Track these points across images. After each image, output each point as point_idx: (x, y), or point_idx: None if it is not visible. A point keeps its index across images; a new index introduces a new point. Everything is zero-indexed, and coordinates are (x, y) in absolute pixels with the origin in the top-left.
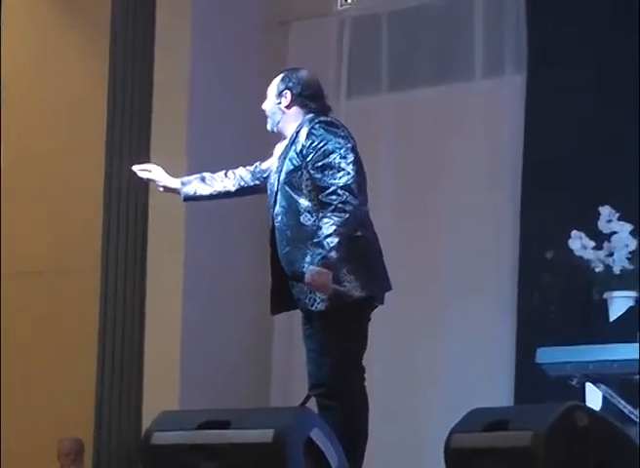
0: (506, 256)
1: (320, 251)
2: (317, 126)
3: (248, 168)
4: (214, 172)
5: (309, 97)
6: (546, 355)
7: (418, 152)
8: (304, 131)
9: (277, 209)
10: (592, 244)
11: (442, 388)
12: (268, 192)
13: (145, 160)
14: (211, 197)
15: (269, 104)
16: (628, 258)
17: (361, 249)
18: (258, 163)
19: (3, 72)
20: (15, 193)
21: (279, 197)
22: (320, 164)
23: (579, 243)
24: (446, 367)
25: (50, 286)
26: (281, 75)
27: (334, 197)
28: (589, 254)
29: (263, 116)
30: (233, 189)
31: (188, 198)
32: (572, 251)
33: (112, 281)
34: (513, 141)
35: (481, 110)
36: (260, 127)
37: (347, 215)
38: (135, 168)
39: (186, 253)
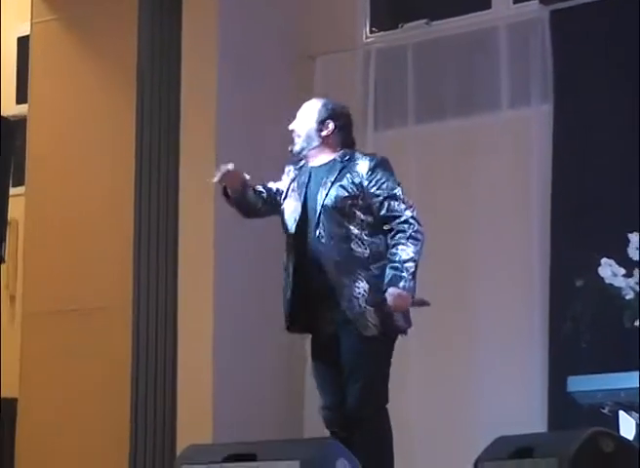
0: (537, 286)
1: (398, 273)
2: (380, 164)
3: (262, 189)
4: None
5: (349, 132)
6: (577, 383)
7: (445, 183)
8: (364, 164)
9: (318, 231)
10: (622, 271)
11: (475, 418)
12: (293, 212)
13: (173, 199)
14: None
15: (306, 128)
16: None
17: None
18: (270, 185)
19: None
20: (44, 232)
21: (323, 220)
22: (386, 195)
23: (609, 270)
24: (478, 396)
25: (80, 324)
26: (321, 102)
27: (406, 226)
28: (620, 282)
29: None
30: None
31: (239, 201)
32: (602, 278)
33: (144, 319)
34: (541, 171)
35: (508, 140)
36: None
37: (420, 244)
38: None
39: (217, 290)
